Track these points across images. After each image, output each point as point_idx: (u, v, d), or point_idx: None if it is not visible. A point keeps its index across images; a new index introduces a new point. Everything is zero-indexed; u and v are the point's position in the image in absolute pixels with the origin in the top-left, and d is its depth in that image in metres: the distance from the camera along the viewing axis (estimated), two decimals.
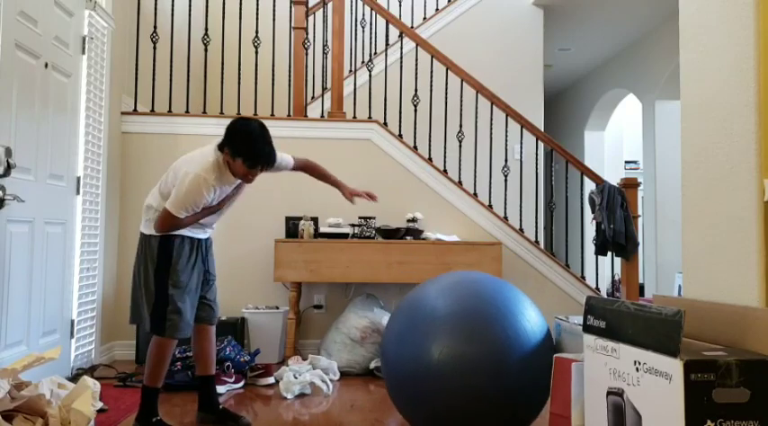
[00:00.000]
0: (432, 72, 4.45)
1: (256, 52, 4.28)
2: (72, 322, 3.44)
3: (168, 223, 2.45)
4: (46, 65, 3.10)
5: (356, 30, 4.99)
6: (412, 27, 5.04)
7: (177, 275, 2.50)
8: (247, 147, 2.43)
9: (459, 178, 4.43)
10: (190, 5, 4.28)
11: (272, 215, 4.14)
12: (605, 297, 5.46)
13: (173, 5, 4.28)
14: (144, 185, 4.02)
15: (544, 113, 5.56)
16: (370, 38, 4.88)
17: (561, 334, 2.86)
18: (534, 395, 2.30)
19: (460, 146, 4.45)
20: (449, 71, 4.39)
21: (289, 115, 4.38)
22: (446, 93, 4.38)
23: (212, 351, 2.74)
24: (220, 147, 2.48)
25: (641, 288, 5.21)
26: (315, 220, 4.00)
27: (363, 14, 4.90)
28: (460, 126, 4.45)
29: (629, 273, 4.48)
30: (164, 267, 2.50)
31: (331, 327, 3.88)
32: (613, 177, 5.46)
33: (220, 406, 2.70)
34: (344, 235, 3.95)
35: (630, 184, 4.52)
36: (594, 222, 4.53)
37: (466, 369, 2.18)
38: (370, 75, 4.46)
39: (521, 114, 4.50)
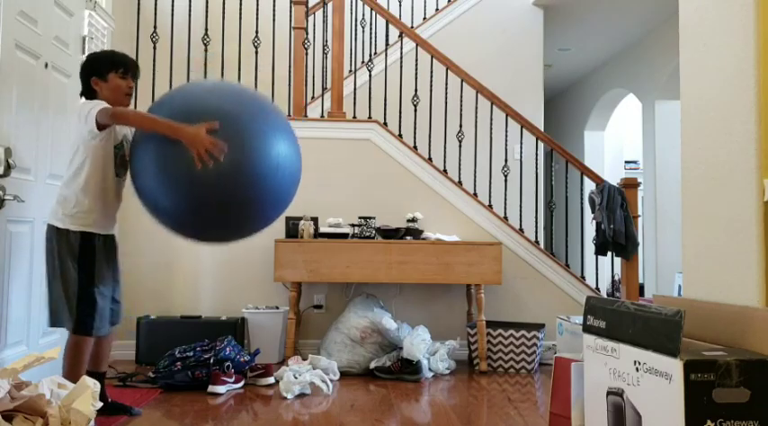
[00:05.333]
0: (432, 72, 4.45)
1: (256, 52, 4.28)
2: None
3: (114, 111, 2.45)
4: (46, 65, 3.10)
5: (356, 30, 4.99)
6: (412, 27, 5.04)
7: (101, 273, 2.52)
8: (111, 58, 2.62)
9: (459, 178, 4.43)
10: (190, 5, 4.28)
11: None
12: (605, 297, 5.46)
13: (173, 5, 4.28)
14: None
15: (544, 113, 5.56)
16: (370, 38, 4.88)
17: (563, 334, 2.85)
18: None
19: (460, 146, 4.45)
20: (449, 71, 4.39)
21: (288, 115, 4.37)
22: (446, 93, 4.37)
23: (110, 351, 2.81)
24: (87, 88, 2.59)
25: (641, 288, 5.21)
26: (315, 220, 4.00)
27: (363, 14, 4.89)
28: (460, 126, 4.45)
29: (629, 273, 4.48)
30: (87, 264, 2.50)
31: (331, 327, 3.88)
32: (613, 177, 5.46)
33: (109, 400, 2.69)
34: (344, 235, 3.95)
35: (630, 184, 4.52)
36: (594, 222, 4.53)
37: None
38: (370, 75, 4.46)
39: (521, 114, 4.50)
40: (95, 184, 2.54)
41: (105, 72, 2.58)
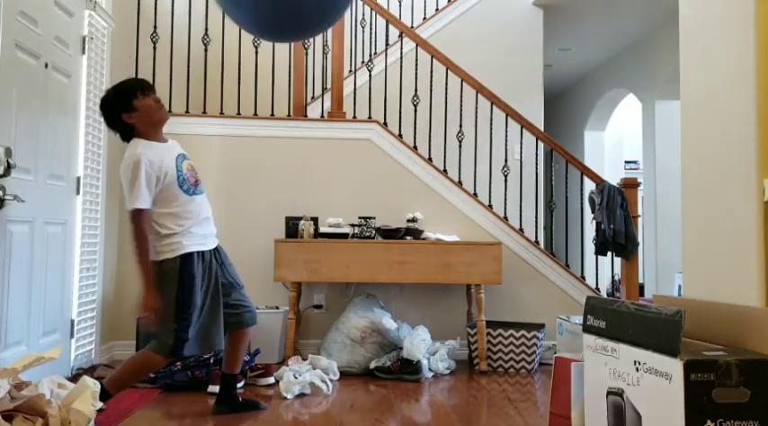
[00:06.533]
0: (432, 72, 4.45)
1: (256, 52, 4.28)
2: (72, 322, 3.44)
3: (137, 220, 2.47)
4: (46, 65, 3.10)
5: (356, 30, 4.99)
6: (412, 27, 5.04)
7: (193, 296, 2.53)
8: (124, 89, 2.55)
9: (459, 178, 4.43)
10: (190, 5, 4.28)
11: (272, 215, 4.14)
12: (605, 297, 5.46)
13: (173, 5, 4.28)
14: None
15: (544, 113, 5.56)
16: (370, 38, 4.88)
17: (563, 334, 2.85)
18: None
19: (460, 146, 4.45)
20: (449, 71, 4.39)
21: (289, 115, 4.37)
22: (446, 93, 4.37)
23: (237, 353, 2.80)
24: (123, 128, 2.55)
25: (641, 288, 5.21)
26: (315, 220, 4.00)
27: (363, 14, 4.89)
28: (460, 126, 4.45)
29: (629, 273, 4.47)
30: (184, 289, 2.51)
31: (331, 327, 3.88)
32: (613, 177, 5.45)
33: (240, 399, 2.84)
34: (344, 235, 3.95)
35: (630, 184, 4.52)
36: (594, 222, 4.53)
37: None
38: (370, 75, 4.46)
39: (521, 114, 4.50)
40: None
41: (129, 103, 2.52)
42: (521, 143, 4.70)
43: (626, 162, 7.93)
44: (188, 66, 4.27)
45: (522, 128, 4.52)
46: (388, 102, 4.42)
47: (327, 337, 3.83)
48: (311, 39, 4.47)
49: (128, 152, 2.53)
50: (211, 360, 3.26)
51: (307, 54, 4.37)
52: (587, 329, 1.86)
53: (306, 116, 4.42)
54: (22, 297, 2.93)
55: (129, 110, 2.52)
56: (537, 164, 4.60)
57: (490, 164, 4.54)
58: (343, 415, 2.85)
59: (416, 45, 4.43)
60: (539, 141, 4.54)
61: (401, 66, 4.48)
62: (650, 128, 5.96)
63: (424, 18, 5.34)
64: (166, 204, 2.53)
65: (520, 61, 5.36)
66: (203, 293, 2.58)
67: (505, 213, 4.41)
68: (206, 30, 4.27)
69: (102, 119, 2.63)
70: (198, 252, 2.56)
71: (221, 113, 4.26)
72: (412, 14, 5.35)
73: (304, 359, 3.53)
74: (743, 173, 1.84)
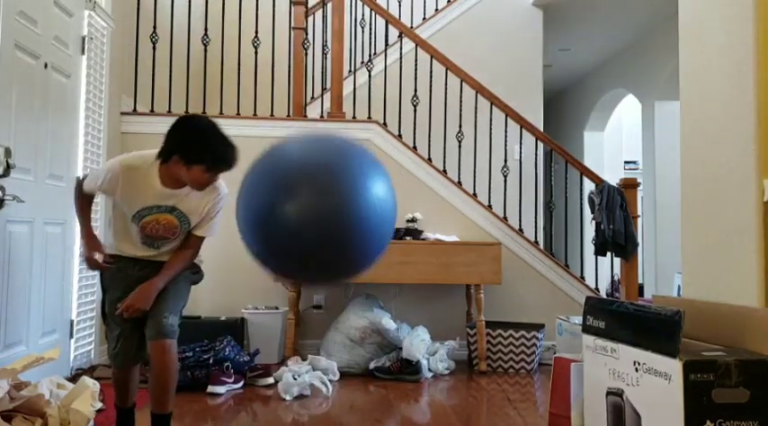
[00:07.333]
0: (431, 72, 4.45)
1: (256, 52, 4.28)
2: (72, 322, 3.44)
3: (76, 188, 2.33)
4: (46, 65, 3.10)
5: (356, 30, 4.99)
6: (412, 27, 5.03)
7: (108, 302, 2.29)
8: (205, 152, 2.10)
9: (459, 178, 4.43)
10: (190, 5, 4.28)
11: None
12: (605, 297, 5.46)
13: (173, 5, 4.27)
14: None
15: (544, 113, 5.56)
16: (370, 38, 4.88)
17: (563, 334, 2.85)
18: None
19: (460, 146, 4.45)
20: (448, 71, 4.39)
21: (288, 115, 4.37)
22: (446, 94, 4.37)
23: (160, 380, 2.22)
24: (165, 156, 2.13)
25: (641, 288, 5.21)
26: None
27: (363, 14, 4.89)
28: (460, 126, 4.45)
29: (629, 273, 4.47)
30: (103, 295, 2.33)
31: (331, 327, 3.88)
32: (613, 177, 5.46)
33: None
34: None
35: (630, 184, 4.52)
36: (594, 222, 4.53)
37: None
38: (369, 75, 4.46)
39: (520, 114, 4.50)
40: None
41: (192, 161, 2.11)
42: (520, 143, 4.70)
43: (625, 162, 7.93)
44: (188, 66, 4.27)
45: (521, 128, 4.52)
46: (387, 102, 4.42)
47: (327, 337, 3.83)
48: (310, 40, 4.47)
49: (144, 154, 2.21)
50: (210, 361, 3.26)
51: (306, 54, 4.37)
52: (587, 329, 1.86)
53: (306, 116, 4.42)
54: (21, 297, 2.93)
55: (184, 162, 2.12)
56: (537, 165, 4.60)
57: (490, 165, 4.54)
58: (342, 416, 2.85)
59: (416, 45, 4.43)
60: (538, 141, 4.54)
61: (401, 67, 4.47)
62: (650, 129, 5.96)
63: (424, 18, 5.34)
64: (118, 220, 2.30)
65: (520, 61, 5.36)
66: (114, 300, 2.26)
67: (505, 213, 4.41)
68: (206, 30, 4.27)
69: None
70: (117, 254, 2.29)
71: (221, 113, 4.25)
72: (412, 14, 5.34)
73: (303, 360, 3.53)
74: (743, 173, 1.84)
